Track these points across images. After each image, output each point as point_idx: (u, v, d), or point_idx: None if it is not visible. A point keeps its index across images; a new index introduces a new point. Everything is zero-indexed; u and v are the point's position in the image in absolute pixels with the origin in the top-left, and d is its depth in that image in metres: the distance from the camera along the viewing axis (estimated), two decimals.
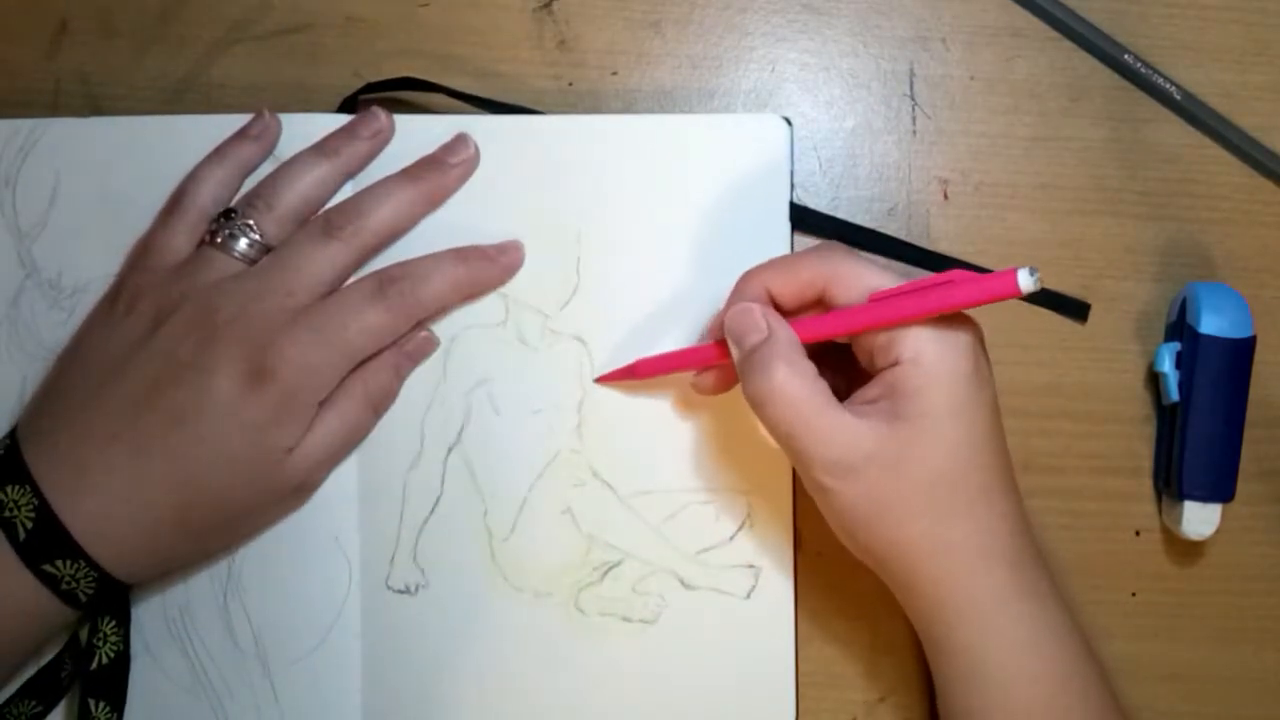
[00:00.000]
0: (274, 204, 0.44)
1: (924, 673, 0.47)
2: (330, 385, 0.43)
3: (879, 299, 0.38)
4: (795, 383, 0.38)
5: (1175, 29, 0.49)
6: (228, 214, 0.44)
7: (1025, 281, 0.35)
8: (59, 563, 0.40)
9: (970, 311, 0.38)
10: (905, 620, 0.41)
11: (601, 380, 0.46)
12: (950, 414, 0.37)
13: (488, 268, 0.45)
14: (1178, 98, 0.48)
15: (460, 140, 0.46)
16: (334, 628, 0.46)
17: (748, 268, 0.41)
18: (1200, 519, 0.46)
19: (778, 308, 0.40)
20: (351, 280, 0.44)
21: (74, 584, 0.40)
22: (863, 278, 0.38)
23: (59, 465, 0.40)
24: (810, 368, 0.38)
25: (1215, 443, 0.45)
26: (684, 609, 0.46)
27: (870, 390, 0.39)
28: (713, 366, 0.43)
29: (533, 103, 0.48)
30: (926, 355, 0.37)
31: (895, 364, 0.38)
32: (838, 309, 0.39)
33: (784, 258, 0.41)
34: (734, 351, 0.40)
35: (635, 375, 0.45)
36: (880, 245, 0.48)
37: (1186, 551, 0.48)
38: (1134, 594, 0.48)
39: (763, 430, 0.39)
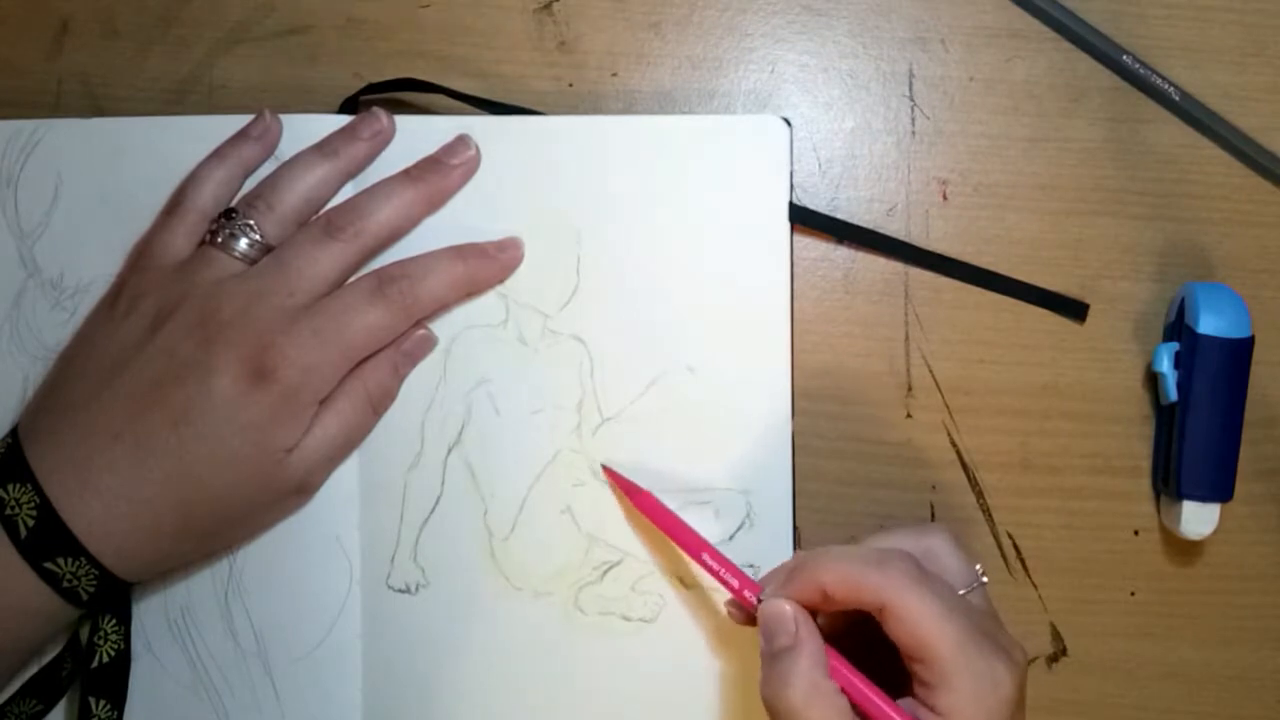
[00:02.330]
0: (275, 204, 0.44)
1: None
2: (330, 385, 0.43)
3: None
4: (816, 704, 0.36)
5: (1174, 30, 0.49)
6: (228, 214, 0.44)
7: None
8: (60, 561, 0.40)
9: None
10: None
11: (608, 474, 0.46)
12: None
13: (487, 265, 0.45)
14: (1176, 98, 0.48)
15: (461, 141, 0.46)
16: (335, 627, 0.46)
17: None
18: (1199, 519, 0.46)
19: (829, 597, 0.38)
20: (351, 280, 0.44)
21: (75, 582, 0.41)
22: (920, 624, 0.36)
23: (60, 464, 0.40)
24: (832, 687, 0.37)
25: (1213, 443, 0.45)
26: (684, 609, 0.46)
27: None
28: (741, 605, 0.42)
29: (533, 103, 0.49)
30: (963, 708, 0.36)
31: (931, 708, 0.36)
32: (870, 690, 0.37)
33: (851, 562, 0.38)
34: (760, 641, 0.39)
35: (635, 502, 0.44)
36: (880, 245, 0.48)
37: (1185, 551, 0.48)
38: (1132, 593, 0.48)
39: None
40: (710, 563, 0.42)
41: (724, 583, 0.41)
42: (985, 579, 0.40)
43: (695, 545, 0.43)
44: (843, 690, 0.37)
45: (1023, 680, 0.37)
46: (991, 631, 0.37)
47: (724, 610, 0.43)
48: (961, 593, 0.39)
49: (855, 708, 0.37)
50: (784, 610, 0.38)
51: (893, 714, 0.37)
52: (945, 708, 0.36)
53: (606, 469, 0.46)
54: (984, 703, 0.36)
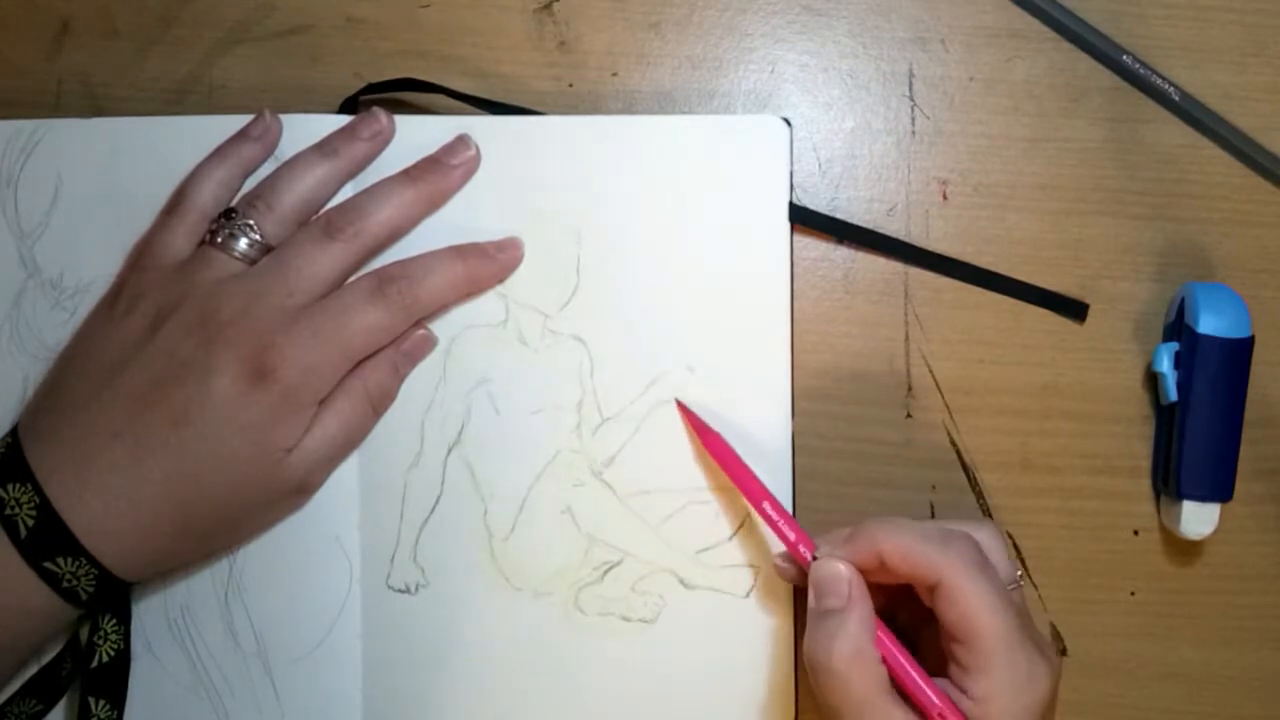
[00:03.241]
0: (274, 204, 0.44)
1: None
2: (330, 385, 0.43)
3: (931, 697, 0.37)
4: (857, 669, 0.37)
5: (1174, 30, 0.49)
6: (228, 214, 0.44)
7: None
8: (60, 560, 0.40)
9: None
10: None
11: (680, 409, 0.45)
12: None
13: (486, 265, 0.46)
14: (1176, 98, 0.48)
15: (461, 141, 0.46)
16: (335, 627, 0.46)
17: (875, 528, 0.39)
18: (1199, 519, 0.46)
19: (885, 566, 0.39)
20: (351, 280, 0.44)
21: (75, 582, 0.41)
22: (972, 608, 0.37)
23: (60, 463, 0.40)
24: (875, 655, 0.37)
25: (1213, 443, 0.45)
26: (683, 608, 0.46)
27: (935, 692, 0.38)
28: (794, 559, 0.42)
29: (533, 103, 0.49)
30: (999, 697, 0.36)
31: (964, 691, 0.37)
32: (910, 665, 0.38)
33: (914, 535, 0.38)
34: (811, 599, 0.39)
35: (704, 442, 0.44)
36: (880, 245, 0.48)
37: (1185, 551, 0.48)
38: (1132, 593, 0.48)
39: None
40: (769, 512, 0.42)
41: (780, 535, 0.41)
42: (1022, 582, 0.41)
43: (757, 494, 0.43)
44: (883, 660, 0.37)
45: (1057, 683, 0.37)
46: (1031, 631, 0.38)
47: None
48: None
49: (892, 681, 0.37)
50: (839, 570, 0.39)
51: (930, 691, 0.37)
52: (981, 693, 0.36)
53: (680, 404, 0.45)
54: (1020, 696, 0.36)
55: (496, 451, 0.46)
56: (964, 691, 0.37)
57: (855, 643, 0.37)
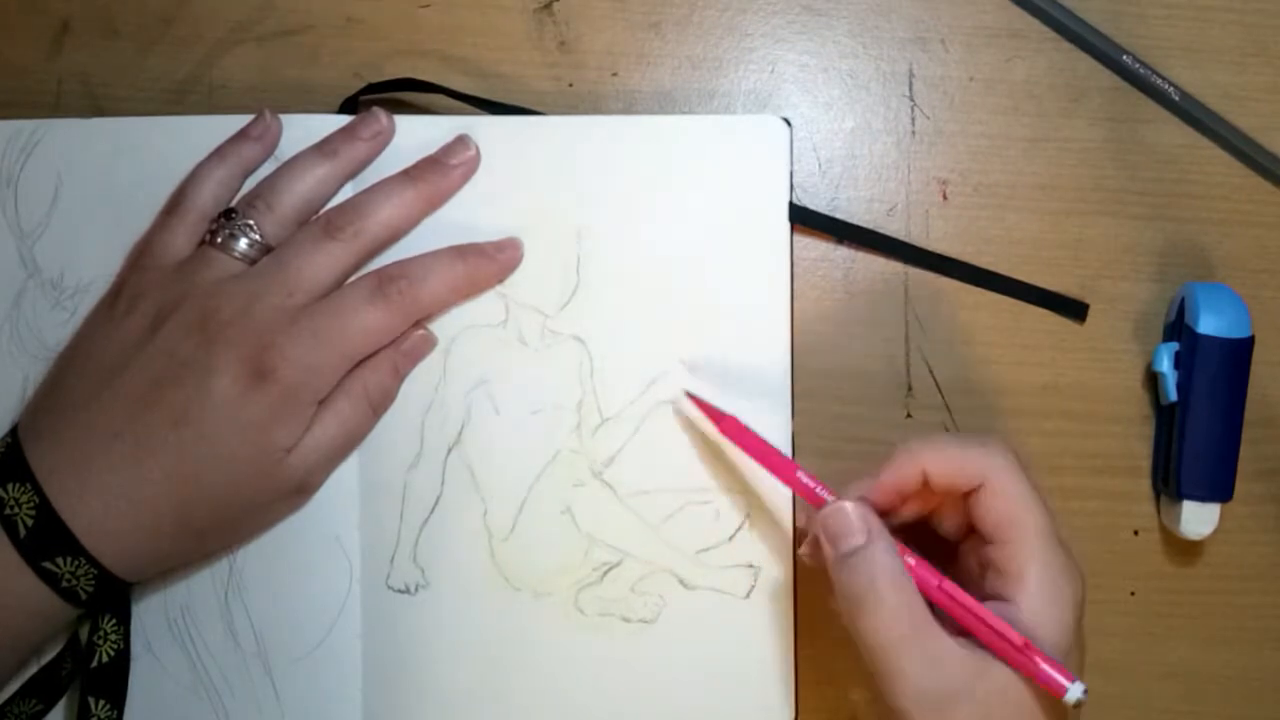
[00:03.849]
0: (274, 204, 0.44)
1: None
2: (329, 385, 0.43)
3: (962, 603, 0.37)
4: (895, 597, 0.36)
5: (1174, 30, 0.49)
6: (228, 214, 0.44)
7: (1072, 693, 0.35)
8: (59, 560, 0.40)
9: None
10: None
11: (691, 398, 0.45)
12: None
13: (486, 265, 0.45)
14: (1176, 98, 0.48)
15: (460, 141, 0.46)
16: (335, 627, 0.46)
17: (907, 449, 0.39)
18: (1199, 519, 0.46)
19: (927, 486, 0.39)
20: (351, 280, 0.44)
21: (74, 581, 0.41)
22: (1017, 502, 0.37)
23: (60, 463, 0.40)
24: (909, 583, 0.37)
25: (1213, 443, 0.45)
26: (683, 609, 0.46)
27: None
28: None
29: (533, 103, 0.49)
30: (1038, 599, 0.36)
31: (1007, 600, 0.37)
32: (938, 581, 0.38)
33: (951, 442, 0.39)
34: (827, 550, 0.39)
35: (721, 428, 0.44)
36: (880, 245, 0.48)
37: (1185, 551, 0.48)
38: (1132, 593, 0.48)
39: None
40: (804, 480, 0.41)
41: (817, 501, 0.40)
42: None
43: (786, 467, 0.42)
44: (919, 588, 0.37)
45: (1085, 594, 0.37)
46: (1063, 537, 0.38)
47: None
48: None
49: (929, 604, 0.37)
50: (848, 510, 0.38)
51: (970, 602, 0.37)
52: (1018, 595, 0.36)
53: (689, 394, 0.45)
54: (1058, 598, 0.36)
55: (496, 451, 0.46)
56: (1001, 596, 0.37)
57: (890, 570, 0.37)
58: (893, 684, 0.36)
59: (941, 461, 0.39)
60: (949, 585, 0.37)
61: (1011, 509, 0.37)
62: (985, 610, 0.36)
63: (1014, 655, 0.36)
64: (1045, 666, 0.35)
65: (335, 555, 0.46)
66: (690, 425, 0.46)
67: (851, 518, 0.38)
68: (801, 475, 0.41)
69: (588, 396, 0.46)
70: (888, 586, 0.37)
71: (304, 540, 0.46)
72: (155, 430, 0.41)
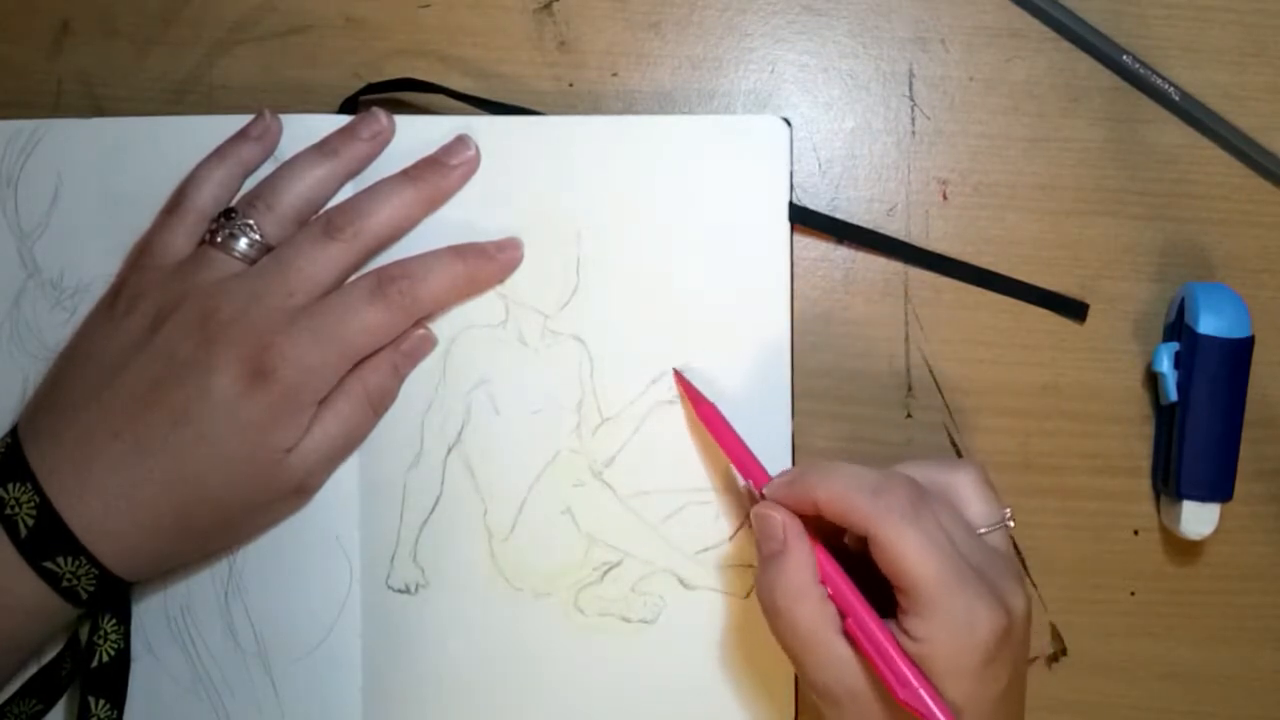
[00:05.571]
0: (274, 204, 0.44)
1: None
2: (329, 385, 0.43)
3: (863, 627, 0.37)
4: (800, 608, 0.38)
5: (1174, 30, 0.49)
6: (228, 214, 0.44)
7: None
8: (60, 560, 0.40)
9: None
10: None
11: (677, 378, 0.45)
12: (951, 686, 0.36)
13: (486, 265, 0.45)
14: (1176, 98, 0.48)
15: (460, 141, 0.46)
16: (335, 627, 0.46)
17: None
18: (1199, 519, 0.46)
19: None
20: (351, 280, 0.44)
21: (74, 581, 0.41)
22: (902, 558, 0.36)
23: (60, 463, 0.41)
24: (820, 593, 0.38)
25: (1213, 443, 0.45)
26: (684, 609, 0.46)
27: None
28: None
29: (533, 103, 0.49)
30: (938, 640, 0.36)
31: (906, 632, 0.37)
32: (856, 601, 0.38)
33: (847, 484, 0.38)
34: (757, 543, 0.40)
35: (698, 412, 0.44)
36: (880, 245, 0.48)
37: (1185, 551, 0.48)
38: (1132, 593, 0.48)
39: None
40: (753, 490, 0.41)
41: (750, 478, 0.41)
42: (1012, 523, 0.40)
43: (757, 473, 0.42)
44: (831, 598, 0.38)
45: (1008, 626, 0.36)
46: (990, 574, 0.37)
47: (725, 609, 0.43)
48: (981, 531, 0.39)
49: (843, 617, 0.38)
50: (772, 518, 0.39)
51: (874, 628, 0.37)
52: (921, 636, 0.36)
53: (677, 373, 0.45)
54: (959, 641, 0.36)
55: (496, 452, 0.46)
56: (907, 633, 0.37)
57: (795, 583, 0.38)
58: (799, 674, 0.39)
59: (830, 503, 0.38)
60: (858, 612, 0.37)
61: (898, 565, 0.36)
62: (888, 649, 0.37)
63: (898, 694, 0.36)
64: (932, 706, 0.35)
65: (335, 555, 0.46)
66: (691, 425, 0.46)
67: (772, 524, 0.39)
68: (752, 485, 0.41)
69: (588, 396, 0.46)
70: (792, 595, 0.38)
71: (304, 540, 0.46)
72: (155, 430, 0.41)
